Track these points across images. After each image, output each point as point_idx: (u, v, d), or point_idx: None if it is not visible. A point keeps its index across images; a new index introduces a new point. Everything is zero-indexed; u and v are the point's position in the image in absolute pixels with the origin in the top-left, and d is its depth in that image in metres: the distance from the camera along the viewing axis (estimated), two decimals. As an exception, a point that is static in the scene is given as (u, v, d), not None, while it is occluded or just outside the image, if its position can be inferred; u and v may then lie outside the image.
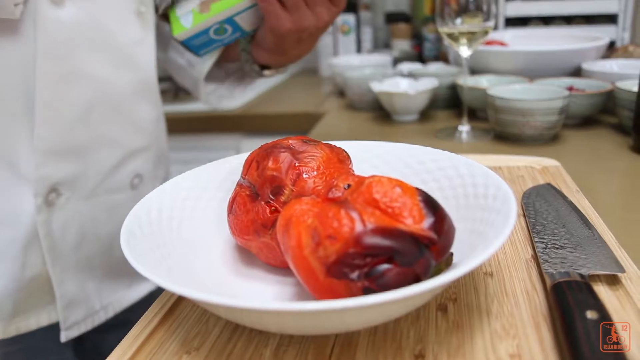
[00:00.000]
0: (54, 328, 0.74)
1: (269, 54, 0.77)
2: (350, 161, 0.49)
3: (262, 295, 0.45)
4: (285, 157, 0.45)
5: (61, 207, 0.68)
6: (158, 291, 0.88)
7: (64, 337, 0.72)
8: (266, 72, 0.83)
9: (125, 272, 0.80)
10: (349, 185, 0.40)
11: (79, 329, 0.73)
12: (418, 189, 0.38)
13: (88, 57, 0.67)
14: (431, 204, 0.37)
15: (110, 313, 0.78)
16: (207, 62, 0.83)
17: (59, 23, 0.63)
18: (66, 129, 0.66)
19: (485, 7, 0.94)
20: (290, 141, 0.47)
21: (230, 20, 0.71)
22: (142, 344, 0.42)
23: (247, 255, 0.51)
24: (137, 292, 0.83)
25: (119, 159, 0.74)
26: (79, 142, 0.68)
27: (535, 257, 0.51)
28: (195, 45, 0.74)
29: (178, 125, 1.55)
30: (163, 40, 0.92)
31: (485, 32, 0.96)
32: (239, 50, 0.80)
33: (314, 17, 0.70)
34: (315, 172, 0.44)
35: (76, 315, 0.73)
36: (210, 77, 0.91)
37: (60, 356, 0.79)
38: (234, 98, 0.94)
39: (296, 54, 0.78)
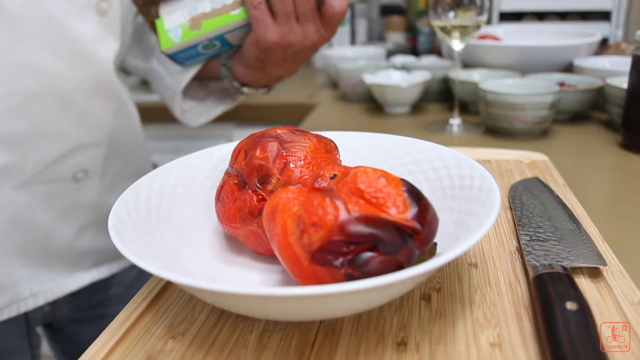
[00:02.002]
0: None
1: (249, 69, 0.76)
2: (338, 152, 0.49)
3: (248, 281, 0.46)
4: (273, 146, 0.46)
5: None
6: (107, 282, 0.87)
7: None
8: (245, 89, 0.81)
9: (64, 261, 0.78)
10: (334, 176, 0.41)
11: (0, 314, 0.72)
12: (402, 180, 0.39)
13: (33, 48, 0.64)
14: (415, 195, 0.38)
15: (40, 301, 0.76)
16: (186, 75, 0.81)
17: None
18: (1, 117, 0.64)
19: (478, 1, 0.95)
20: (278, 131, 0.48)
21: (220, 37, 0.71)
22: (129, 328, 0.42)
23: (234, 243, 0.51)
24: (77, 282, 0.80)
25: (63, 152, 0.72)
26: (17, 131, 0.66)
27: (520, 249, 0.51)
28: (181, 57, 0.74)
29: (171, 114, 1.55)
30: (146, 50, 0.90)
31: (478, 26, 0.97)
32: (220, 65, 0.79)
33: (302, 34, 0.69)
34: (302, 162, 0.45)
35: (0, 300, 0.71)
36: (191, 95, 0.89)
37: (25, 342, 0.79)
38: (210, 118, 0.91)
39: (277, 73, 0.76)
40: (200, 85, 0.90)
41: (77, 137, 0.73)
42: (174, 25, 0.71)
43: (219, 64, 0.79)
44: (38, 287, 0.75)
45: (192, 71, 0.80)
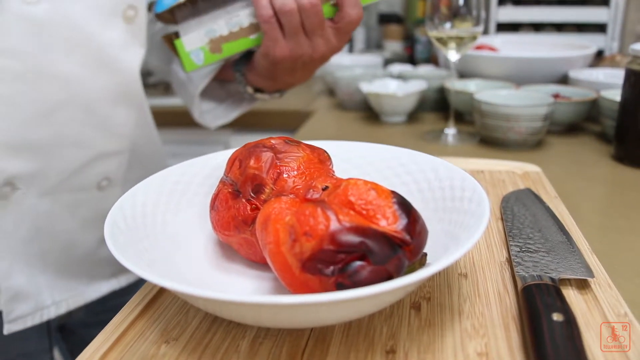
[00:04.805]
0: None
1: (260, 77, 0.77)
2: (331, 162, 0.50)
3: (241, 288, 0.47)
4: (267, 156, 0.46)
5: (16, 201, 0.67)
6: (125, 289, 0.87)
7: (7, 330, 0.70)
8: (259, 95, 0.83)
9: (85, 270, 0.79)
10: (326, 187, 0.41)
11: (24, 322, 0.72)
12: (393, 192, 0.39)
13: (60, 56, 0.65)
14: (405, 207, 0.39)
15: (62, 309, 0.76)
16: (203, 80, 0.83)
17: (28, 20, 0.61)
18: (26, 125, 0.64)
19: (475, 13, 0.96)
20: (272, 141, 0.49)
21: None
22: (123, 332, 0.43)
23: (227, 250, 0.52)
24: (97, 291, 0.81)
25: (87, 160, 0.72)
26: (41, 139, 0.66)
27: (510, 260, 0.52)
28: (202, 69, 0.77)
29: (168, 119, 1.56)
30: (167, 53, 0.91)
31: (474, 38, 0.98)
32: (233, 70, 0.80)
33: (310, 47, 0.70)
34: (295, 172, 0.45)
35: (22, 309, 0.71)
36: (211, 94, 0.90)
37: (42, 345, 0.79)
38: (229, 119, 0.92)
39: (289, 81, 0.78)
40: (220, 85, 0.91)
41: (101, 145, 0.73)
42: (194, 47, 0.72)
43: (233, 69, 0.80)
44: (59, 295, 0.75)
45: (208, 77, 0.82)
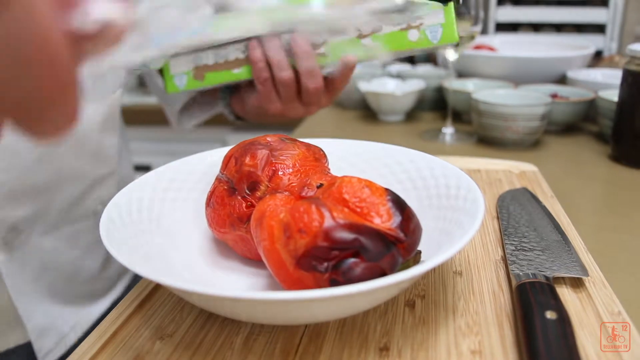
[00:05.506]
0: None
1: (249, 116, 0.81)
2: (327, 159, 0.50)
3: (235, 285, 0.47)
4: (262, 154, 0.46)
5: (20, 244, 0.67)
6: (120, 297, 0.87)
7: None
8: (240, 122, 0.87)
9: (88, 291, 0.79)
10: (321, 185, 0.42)
11: (54, 355, 0.72)
12: (387, 190, 0.40)
13: None
14: (399, 204, 0.39)
15: (79, 332, 0.76)
16: (181, 99, 0.85)
17: None
18: (26, 171, 0.64)
19: (473, 12, 0.96)
20: (268, 139, 0.49)
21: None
22: (118, 328, 0.43)
23: (223, 247, 0.52)
24: (101, 306, 0.82)
25: (83, 190, 0.73)
26: (41, 181, 0.66)
27: (505, 259, 0.52)
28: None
29: (166, 117, 1.56)
30: None
31: (472, 37, 0.98)
32: (218, 99, 0.83)
33: (304, 110, 0.73)
34: (290, 170, 0.46)
35: (49, 342, 0.71)
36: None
37: None
38: (201, 119, 0.93)
39: (275, 121, 0.82)
40: None
41: (94, 173, 0.74)
42: (179, 72, 0.73)
43: (218, 97, 0.83)
44: (72, 320, 0.76)
45: (186, 96, 0.85)
